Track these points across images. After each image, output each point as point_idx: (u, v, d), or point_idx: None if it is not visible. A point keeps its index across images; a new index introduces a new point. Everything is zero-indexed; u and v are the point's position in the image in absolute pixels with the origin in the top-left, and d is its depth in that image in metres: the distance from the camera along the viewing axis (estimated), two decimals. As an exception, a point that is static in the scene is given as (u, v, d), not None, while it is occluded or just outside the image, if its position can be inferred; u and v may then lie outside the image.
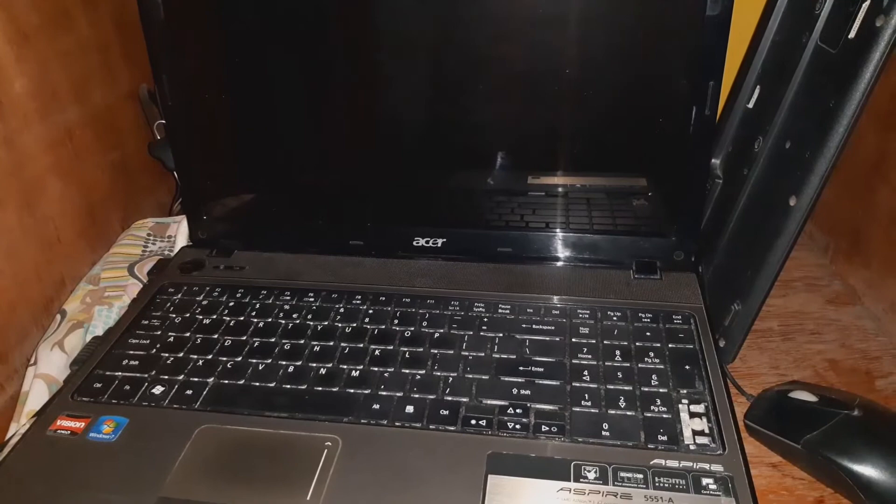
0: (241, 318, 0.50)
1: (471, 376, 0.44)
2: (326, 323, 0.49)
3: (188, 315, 0.50)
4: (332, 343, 0.47)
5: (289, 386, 0.44)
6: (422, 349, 0.46)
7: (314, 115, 0.54)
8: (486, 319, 0.49)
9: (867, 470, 0.38)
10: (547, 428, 0.40)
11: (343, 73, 0.53)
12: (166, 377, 0.45)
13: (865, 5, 0.40)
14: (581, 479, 0.37)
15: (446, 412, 0.41)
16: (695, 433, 0.39)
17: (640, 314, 0.48)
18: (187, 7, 0.52)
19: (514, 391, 0.42)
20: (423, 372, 0.44)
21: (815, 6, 0.45)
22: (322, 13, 0.51)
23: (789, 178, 0.44)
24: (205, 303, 0.51)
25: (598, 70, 0.49)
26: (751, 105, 0.52)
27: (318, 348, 0.47)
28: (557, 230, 0.54)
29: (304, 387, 0.44)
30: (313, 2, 0.50)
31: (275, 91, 0.54)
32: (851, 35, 0.41)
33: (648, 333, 0.46)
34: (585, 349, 0.45)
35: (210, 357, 0.46)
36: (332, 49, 0.52)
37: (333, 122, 0.54)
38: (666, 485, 0.36)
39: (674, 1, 0.46)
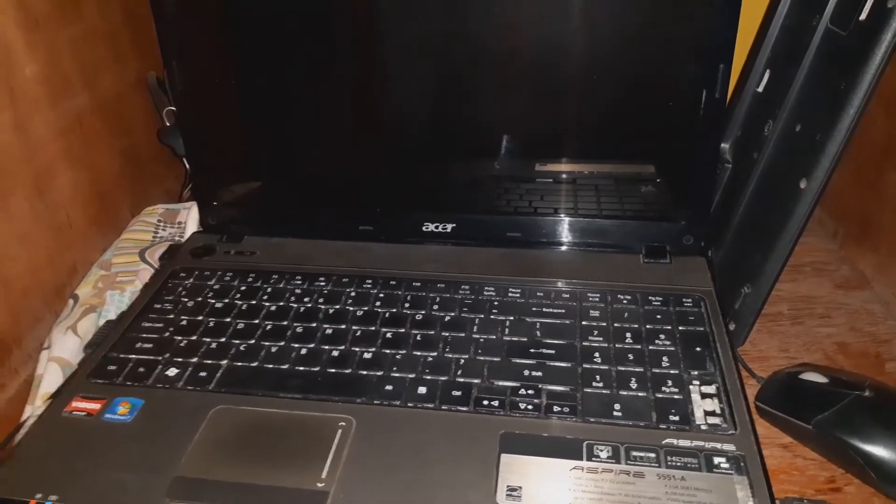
0: (253, 302, 0.50)
1: (482, 358, 0.44)
2: (338, 306, 0.49)
3: (200, 299, 0.51)
4: (343, 326, 0.47)
5: (302, 368, 0.44)
6: (433, 332, 0.46)
7: (323, 101, 0.54)
8: (496, 303, 0.49)
9: (878, 450, 0.38)
10: (559, 408, 0.40)
11: (352, 61, 0.53)
12: (180, 359, 0.45)
13: (878, -13, 0.40)
14: (594, 458, 0.37)
15: (458, 393, 0.41)
16: (706, 413, 0.39)
17: (650, 297, 0.48)
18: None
19: (526, 373, 0.43)
20: (435, 354, 0.44)
21: (825, -11, 0.45)
22: (332, 2, 0.51)
23: (800, 161, 0.44)
24: (217, 287, 0.52)
25: (606, 56, 0.49)
26: (761, 89, 0.52)
27: (330, 331, 0.47)
28: (566, 215, 0.54)
29: (316, 368, 0.44)
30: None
31: (284, 77, 0.54)
32: (863, 17, 0.41)
33: (659, 316, 0.47)
34: (596, 332, 0.46)
35: (223, 340, 0.47)
36: (342, 37, 0.52)
37: (342, 108, 0.55)
38: (678, 464, 0.36)
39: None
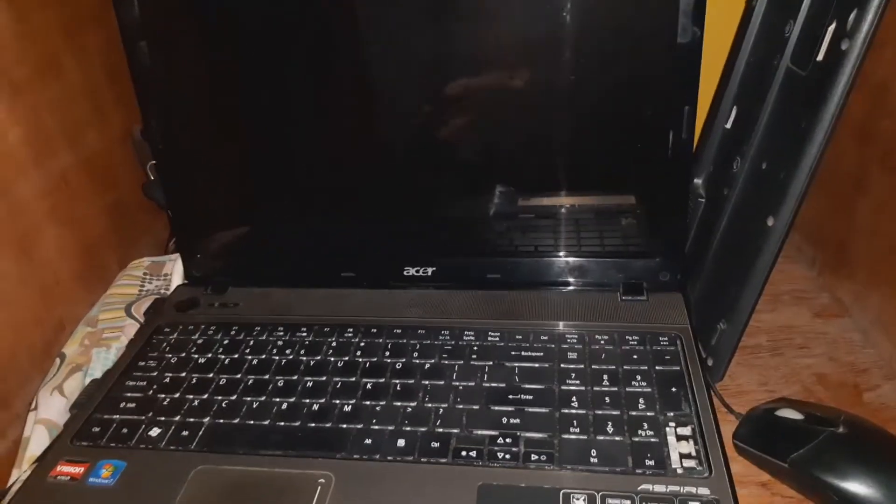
0: (236, 356, 0.51)
1: (461, 407, 0.44)
2: (319, 357, 0.50)
3: (184, 354, 0.51)
4: (324, 378, 0.48)
5: (282, 423, 0.44)
6: (413, 381, 0.47)
7: (302, 149, 0.55)
8: (475, 348, 0.49)
9: (853, 486, 0.39)
10: (536, 456, 0.40)
11: (329, 108, 0.54)
12: (163, 418, 0.46)
13: (831, 28, 0.41)
14: (570, 508, 0.37)
15: (437, 444, 0.42)
16: (682, 456, 0.40)
17: (626, 337, 0.49)
18: (174, 52, 0.53)
19: (504, 420, 0.43)
20: (415, 404, 0.45)
21: (784, 29, 0.46)
22: (307, 51, 0.52)
23: (767, 199, 0.45)
24: (200, 341, 0.52)
25: (580, 99, 0.50)
26: (728, 126, 0.53)
27: (310, 384, 0.47)
28: (545, 256, 0.55)
29: (297, 423, 0.44)
30: (298, 41, 0.51)
31: (263, 129, 0.55)
32: (819, 58, 0.42)
33: (635, 356, 0.47)
34: (574, 374, 0.46)
35: (205, 396, 0.47)
36: (319, 84, 0.53)
37: (321, 155, 0.56)
38: (653, 510, 0.37)
39: (647, 30, 0.47)
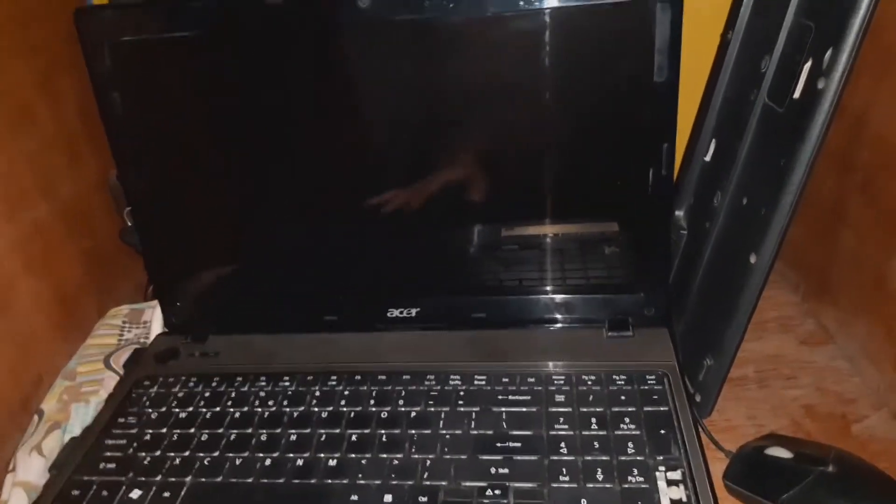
0: (217, 409, 0.50)
1: (449, 457, 0.44)
2: (302, 408, 0.49)
3: (164, 409, 0.50)
4: (308, 430, 0.47)
5: (266, 480, 0.44)
6: (399, 430, 0.46)
7: (278, 193, 0.54)
8: (462, 393, 0.49)
9: (845, 528, 0.38)
10: (526, 509, 0.40)
11: (306, 151, 0.53)
12: (143, 479, 0.45)
13: (807, 67, 0.41)
14: (561, 564, 0.37)
15: (425, 499, 0.41)
16: (672, 502, 0.39)
17: (614, 376, 0.48)
18: (145, 99, 0.52)
19: (493, 470, 0.42)
20: (401, 456, 0.44)
21: (760, 65, 0.46)
22: (282, 94, 0.51)
23: (748, 236, 0.45)
24: (181, 394, 0.51)
25: (558, 137, 0.50)
26: (708, 158, 0.53)
27: (294, 437, 0.47)
28: (529, 293, 0.55)
29: (281, 480, 0.43)
30: (273, 85, 0.51)
31: (240, 173, 0.55)
32: (796, 95, 0.42)
33: (623, 397, 0.47)
34: (562, 419, 0.46)
35: (187, 454, 0.46)
36: (295, 127, 0.52)
37: (299, 199, 0.55)
38: (645, 563, 0.36)
39: (624, 69, 0.47)
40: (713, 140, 0.53)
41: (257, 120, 0.52)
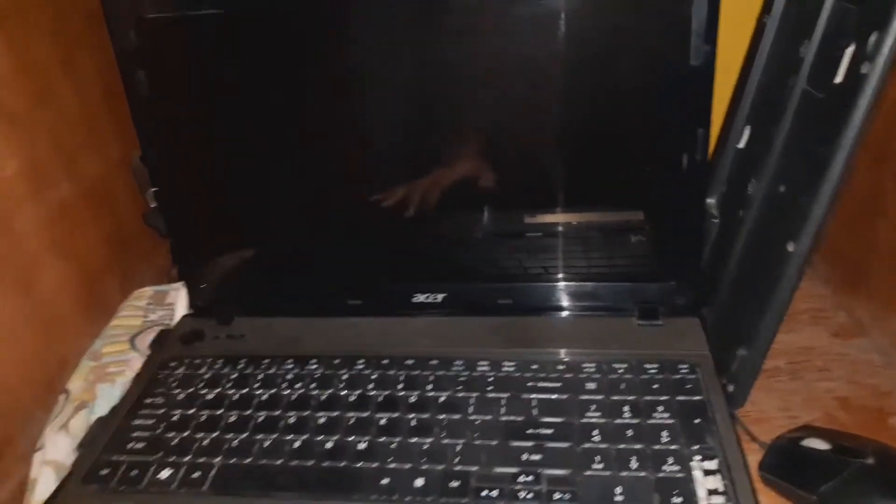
0: (245, 391, 0.49)
1: (479, 443, 0.43)
2: (331, 391, 0.48)
3: (192, 390, 0.50)
4: (337, 413, 0.47)
5: (295, 463, 0.43)
6: (428, 415, 0.46)
7: (304, 175, 0.54)
8: (491, 379, 0.48)
9: (885, 520, 0.38)
10: (559, 495, 0.39)
11: (332, 132, 0.53)
12: (173, 459, 0.44)
13: (850, 51, 0.40)
14: (597, 551, 0.36)
15: (457, 483, 0.41)
16: (709, 493, 0.39)
17: (645, 365, 0.48)
18: (171, 78, 0.52)
19: (524, 456, 0.42)
20: (431, 440, 0.44)
21: (798, 49, 0.45)
22: (303, 72, 0.51)
23: (786, 224, 0.44)
24: (207, 376, 0.51)
25: (589, 120, 0.50)
26: (742, 145, 0.52)
27: (323, 419, 0.46)
28: (556, 278, 0.54)
29: (311, 463, 0.43)
30: (301, 64, 0.50)
31: (264, 154, 0.54)
32: (838, 80, 0.41)
33: (655, 386, 0.46)
34: (594, 406, 0.45)
35: (216, 435, 0.46)
36: (322, 108, 0.52)
37: (325, 181, 0.54)
38: (683, 551, 0.36)
39: (660, 52, 0.46)
40: (747, 127, 0.52)
41: (285, 99, 0.51)
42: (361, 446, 0.44)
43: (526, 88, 0.49)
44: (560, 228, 0.53)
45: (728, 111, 0.55)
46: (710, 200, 0.56)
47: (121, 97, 0.53)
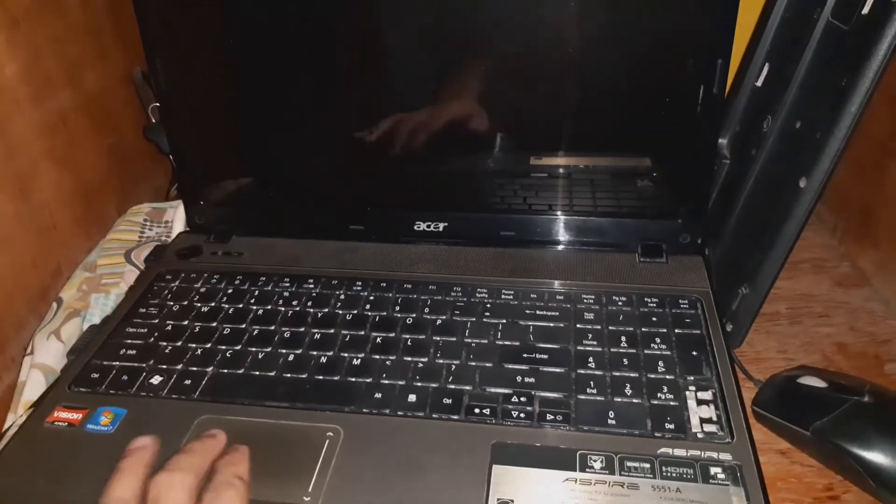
0: (240, 306, 0.49)
1: (474, 364, 0.43)
2: (327, 310, 0.48)
3: (186, 303, 0.50)
4: (332, 330, 0.46)
5: (289, 375, 0.43)
6: (424, 336, 0.45)
7: (311, 98, 0.53)
8: (488, 305, 0.48)
9: (877, 457, 0.37)
10: (552, 416, 0.39)
11: (341, 57, 0.52)
12: (164, 367, 0.44)
13: (880, -20, 0.39)
14: (587, 469, 0.36)
15: (449, 401, 0.40)
16: (702, 421, 0.39)
17: (645, 299, 0.47)
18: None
19: (518, 379, 0.42)
20: (426, 360, 0.43)
21: (826, -19, 0.44)
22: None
23: (799, 159, 0.43)
24: (203, 290, 0.51)
25: (602, 50, 0.48)
26: (759, 83, 0.51)
27: (318, 336, 0.46)
28: (561, 213, 0.53)
29: (304, 375, 0.43)
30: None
31: (271, 73, 0.52)
32: (865, 11, 0.40)
33: (654, 318, 0.46)
34: (590, 335, 0.45)
35: (209, 346, 0.46)
36: (330, 31, 0.50)
37: (331, 105, 0.53)
38: (673, 474, 0.36)
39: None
40: (766, 64, 0.51)
41: (292, 20, 0.50)
42: (356, 362, 0.44)
43: (538, 22, 0.48)
44: (568, 164, 0.52)
45: (746, 51, 0.54)
46: (722, 141, 0.55)
47: (126, 11, 0.51)
